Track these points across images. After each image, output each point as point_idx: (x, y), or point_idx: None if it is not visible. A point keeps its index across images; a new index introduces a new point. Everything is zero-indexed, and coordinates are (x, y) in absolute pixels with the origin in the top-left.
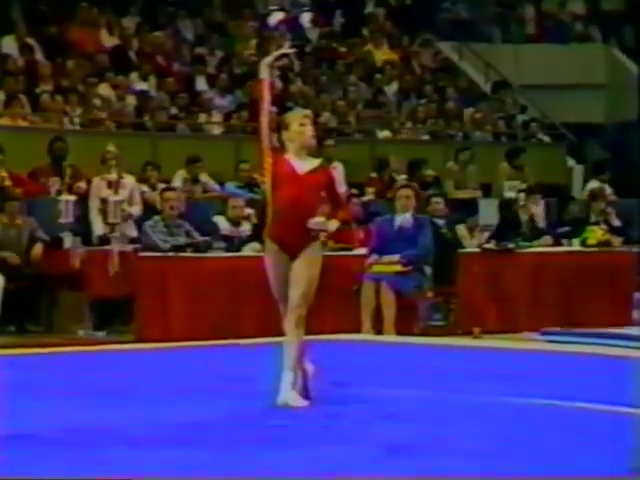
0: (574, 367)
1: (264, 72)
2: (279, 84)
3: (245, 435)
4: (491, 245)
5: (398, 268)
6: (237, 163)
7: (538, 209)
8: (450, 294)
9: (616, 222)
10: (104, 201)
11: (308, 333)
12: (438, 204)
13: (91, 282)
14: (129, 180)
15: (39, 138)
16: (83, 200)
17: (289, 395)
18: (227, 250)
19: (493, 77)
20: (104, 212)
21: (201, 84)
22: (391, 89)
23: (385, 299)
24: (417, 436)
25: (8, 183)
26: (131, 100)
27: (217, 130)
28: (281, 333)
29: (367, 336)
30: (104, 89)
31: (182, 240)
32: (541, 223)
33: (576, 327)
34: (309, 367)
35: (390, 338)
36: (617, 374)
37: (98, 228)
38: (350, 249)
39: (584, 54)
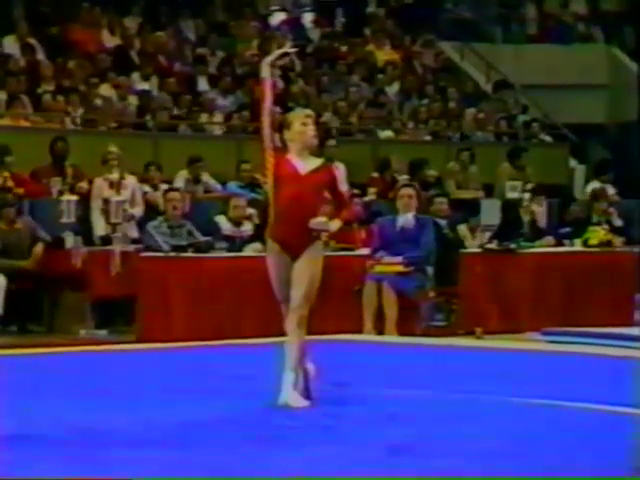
0: (575, 367)
1: (265, 71)
2: (280, 84)
3: (246, 435)
4: (493, 245)
5: (400, 268)
6: (239, 163)
7: (540, 209)
8: (452, 294)
9: (618, 222)
10: (106, 201)
11: (310, 333)
12: (442, 204)
13: (93, 282)
14: (131, 180)
15: (41, 138)
16: (85, 200)
17: (290, 395)
18: (229, 250)
19: (495, 77)
20: (106, 212)
21: (203, 84)
22: (393, 89)
23: (387, 299)
24: (418, 436)
25: (10, 184)
26: (133, 100)
27: (219, 130)
28: (282, 333)
29: (369, 336)
30: (106, 89)
31: (184, 241)
32: (543, 223)
33: (578, 327)
34: (310, 367)
35: (392, 338)
36: (618, 374)
37: (100, 228)
38: (352, 249)
39: (586, 54)
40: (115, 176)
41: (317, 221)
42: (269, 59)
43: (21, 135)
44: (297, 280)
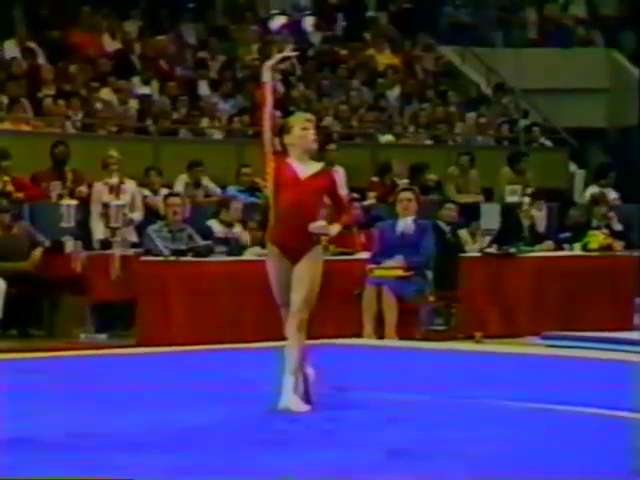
0: (575, 372)
1: (266, 75)
2: (281, 88)
3: (246, 439)
4: (493, 250)
5: (399, 272)
6: (239, 167)
7: (540, 214)
8: (451, 298)
9: (617, 226)
10: (105, 206)
11: (310, 337)
12: (451, 210)
13: (93, 286)
14: (130, 185)
15: (41, 142)
16: (84, 204)
17: (290, 399)
18: (229, 254)
19: (495, 81)
20: (105, 217)
21: (203, 88)
22: (393, 93)
23: (386, 303)
24: (418, 440)
25: (10, 188)
26: (133, 104)
27: (219, 134)
28: (283, 337)
29: (369, 340)
30: (106, 93)
31: (185, 245)
32: (542, 228)
33: (577, 332)
34: (310, 371)
35: (391, 342)
36: (618, 379)
37: (99, 232)
38: (352, 253)
39: (586, 58)
40: (115, 181)
41: (317, 225)
42: (270, 63)
43: (21, 139)
44: (297, 284)
